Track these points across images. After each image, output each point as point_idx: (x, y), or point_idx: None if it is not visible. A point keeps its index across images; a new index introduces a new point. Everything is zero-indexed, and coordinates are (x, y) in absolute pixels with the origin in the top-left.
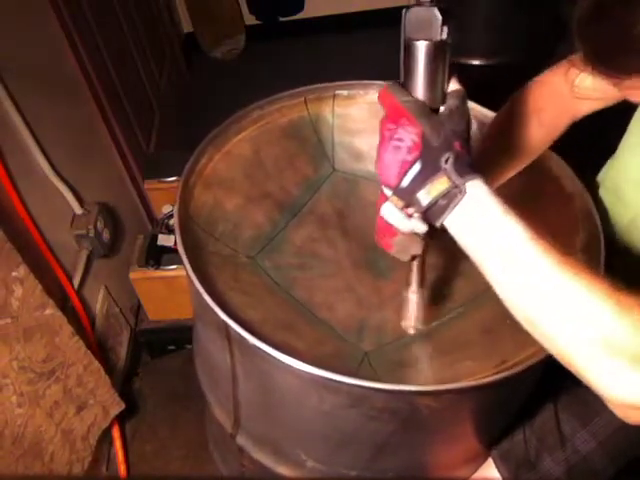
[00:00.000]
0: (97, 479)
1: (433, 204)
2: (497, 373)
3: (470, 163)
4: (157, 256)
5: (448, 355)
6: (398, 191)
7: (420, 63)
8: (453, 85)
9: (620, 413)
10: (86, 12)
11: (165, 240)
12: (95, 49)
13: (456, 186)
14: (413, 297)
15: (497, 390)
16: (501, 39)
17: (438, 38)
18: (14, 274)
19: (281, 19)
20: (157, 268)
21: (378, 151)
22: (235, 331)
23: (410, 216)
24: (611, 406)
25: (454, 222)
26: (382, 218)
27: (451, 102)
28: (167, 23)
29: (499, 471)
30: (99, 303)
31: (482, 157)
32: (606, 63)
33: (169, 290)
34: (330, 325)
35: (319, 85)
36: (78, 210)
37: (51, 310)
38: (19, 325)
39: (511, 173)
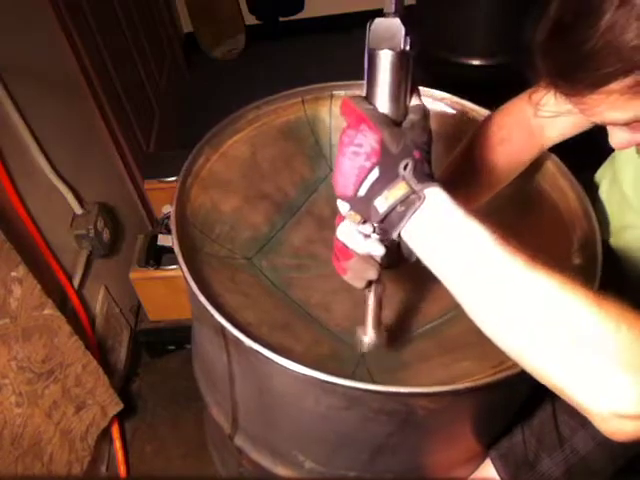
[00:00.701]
0: (97, 479)
1: (391, 211)
2: (494, 374)
3: (429, 173)
4: (157, 256)
5: (445, 356)
6: (355, 202)
7: (382, 73)
8: (415, 100)
9: (605, 427)
10: (86, 12)
11: (165, 240)
12: (95, 49)
13: (414, 192)
14: (366, 340)
15: (495, 391)
16: (501, 39)
17: (400, 48)
18: (13, 274)
19: (281, 19)
20: (157, 268)
21: (336, 161)
22: (231, 333)
23: (367, 236)
24: (596, 422)
25: (413, 231)
26: (338, 240)
27: (412, 116)
28: (167, 23)
29: (498, 472)
30: (99, 303)
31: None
32: (562, 81)
33: (169, 290)
34: (327, 326)
35: (316, 85)
36: (78, 210)
37: (50, 310)
38: (18, 325)
39: (472, 202)
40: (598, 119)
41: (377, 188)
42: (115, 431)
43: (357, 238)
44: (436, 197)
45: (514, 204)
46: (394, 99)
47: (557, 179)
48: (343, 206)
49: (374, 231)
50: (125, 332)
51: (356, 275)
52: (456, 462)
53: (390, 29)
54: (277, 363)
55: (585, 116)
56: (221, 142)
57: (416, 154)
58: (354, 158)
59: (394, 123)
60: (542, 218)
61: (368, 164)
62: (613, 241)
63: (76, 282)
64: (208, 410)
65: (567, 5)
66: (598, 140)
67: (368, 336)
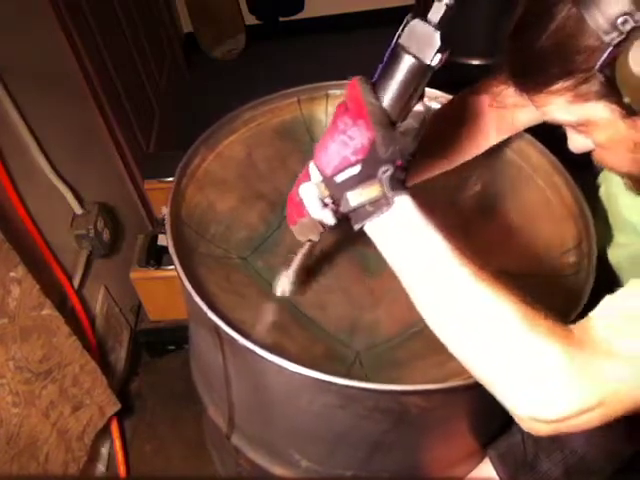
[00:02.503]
0: (96, 479)
1: (360, 207)
2: None
3: (403, 180)
4: (157, 256)
5: (440, 355)
6: (329, 182)
7: (399, 74)
8: (419, 106)
9: (524, 425)
10: (86, 12)
11: (165, 240)
12: (95, 49)
13: (386, 197)
14: (285, 280)
15: (488, 390)
16: (501, 39)
17: (427, 62)
18: (12, 274)
19: (281, 19)
20: (157, 268)
21: (325, 135)
22: (225, 332)
23: (325, 206)
24: (516, 419)
25: (376, 230)
26: (297, 194)
27: (411, 122)
28: (167, 23)
29: (497, 472)
30: (99, 303)
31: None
32: (514, 79)
33: (169, 290)
34: (322, 325)
35: (312, 85)
36: (78, 210)
37: (48, 310)
38: (16, 325)
39: (429, 171)
40: (549, 118)
41: (353, 182)
42: (115, 431)
43: (316, 204)
44: (403, 205)
45: (509, 202)
46: (400, 100)
47: (553, 176)
48: (315, 174)
49: (333, 203)
50: (125, 332)
51: (302, 231)
52: (452, 460)
53: (426, 37)
54: (271, 362)
55: (539, 112)
56: (217, 142)
57: (399, 162)
58: (342, 147)
59: (391, 123)
60: (537, 216)
61: (353, 159)
62: (613, 241)
63: (76, 282)
64: (206, 410)
65: (527, 6)
66: None
67: (288, 278)
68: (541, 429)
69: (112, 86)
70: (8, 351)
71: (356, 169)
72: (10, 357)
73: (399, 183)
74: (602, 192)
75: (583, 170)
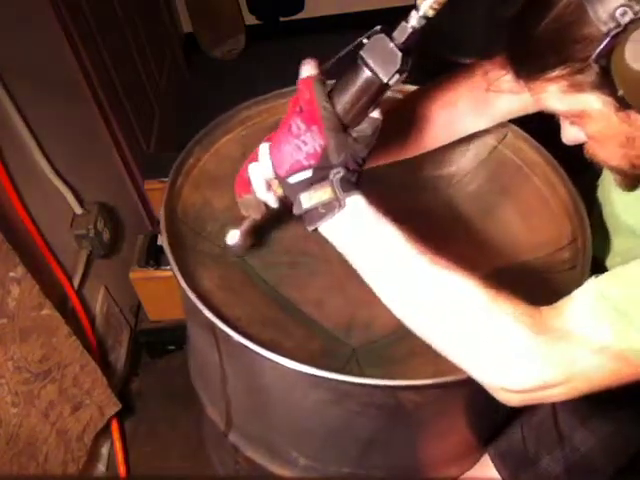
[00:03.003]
0: (97, 479)
1: (312, 210)
2: None
3: (355, 181)
4: (157, 256)
5: (435, 352)
6: (282, 182)
7: (354, 86)
8: (375, 113)
9: (496, 396)
10: (86, 12)
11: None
12: (95, 49)
13: (337, 199)
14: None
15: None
16: (501, 39)
17: (384, 81)
18: (11, 274)
19: (281, 19)
20: (157, 268)
21: (278, 132)
22: (220, 329)
23: (270, 188)
24: (489, 391)
25: (331, 231)
26: (246, 172)
27: (365, 128)
28: (167, 23)
29: (498, 471)
30: (99, 303)
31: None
32: (512, 65)
33: (169, 290)
34: (319, 322)
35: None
36: (78, 210)
37: (48, 310)
38: (15, 325)
39: (396, 155)
40: (542, 106)
41: (305, 184)
42: (115, 431)
43: (262, 186)
44: (355, 204)
45: (506, 200)
46: (353, 108)
47: (548, 174)
48: (265, 159)
49: (278, 188)
50: (125, 332)
51: (245, 207)
52: (449, 458)
53: (388, 56)
54: (266, 358)
55: (536, 101)
56: (212, 141)
57: (350, 165)
58: (296, 150)
59: (343, 128)
60: (534, 213)
61: (306, 163)
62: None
63: (76, 282)
64: (203, 408)
65: None
66: None
67: (235, 238)
68: (511, 399)
69: (112, 86)
70: (7, 351)
71: (308, 173)
72: (9, 357)
73: (350, 184)
74: (599, 195)
75: (579, 174)
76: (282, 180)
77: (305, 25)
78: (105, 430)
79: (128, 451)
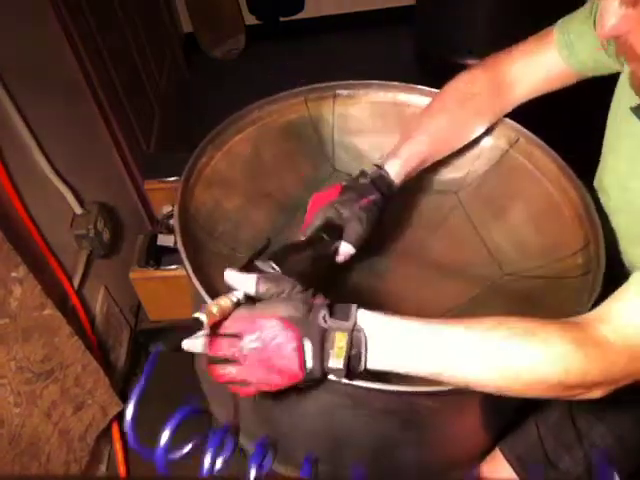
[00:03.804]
0: (96, 479)
1: (349, 360)
2: None
3: (336, 305)
4: (157, 256)
5: None
6: (309, 375)
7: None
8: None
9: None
10: (86, 12)
11: (165, 240)
12: (95, 49)
13: (352, 330)
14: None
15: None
16: (501, 39)
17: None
18: (13, 274)
19: (281, 19)
20: (157, 268)
21: (263, 362)
22: None
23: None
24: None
25: (376, 360)
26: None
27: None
28: (167, 23)
29: (517, 474)
30: (99, 303)
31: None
32: None
33: (169, 290)
34: None
35: (319, 85)
36: (78, 210)
37: (50, 310)
38: (17, 325)
39: (430, 160)
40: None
41: (319, 353)
42: (115, 431)
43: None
44: (370, 320)
45: (517, 203)
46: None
47: (560, 179)
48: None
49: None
50: (125, 332)
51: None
52: (463, 459)
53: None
54: None
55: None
56: (224, 140)
57: (318, 300)
58: (279, 348)
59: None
60: (546, 218)
61: (295, 343)
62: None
63: (76, 282)
64: (210, 410)
65: None
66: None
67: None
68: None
69: (112, 86)
70: (9, 351)
71: (307, 344)
72: (11, 357)
73: (342, 310)
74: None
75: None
76: (307, 375)
77: (305, 25)
78: (105, 430)
79: (128, 451)
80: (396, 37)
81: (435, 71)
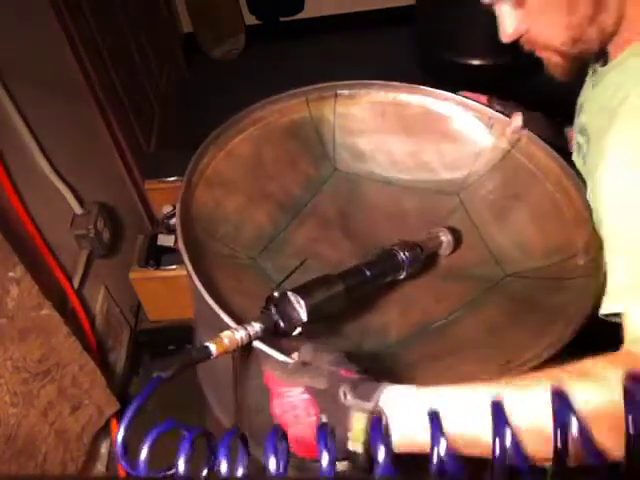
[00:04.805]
0: (97, 479)
1: (368, 445)
2: (500, 375)
3: (366, 377)
4: (157, 256)
5: (452, 357)
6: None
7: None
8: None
9: None
10: (86, 12)
11: (165, 240)
12: (95, 49)
13: (373, 412)
14: None
15: None
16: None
17: None
18: (10, 274)
19: (281, 19)
20: (157, 268)
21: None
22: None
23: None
24: None
25: (401, 439)
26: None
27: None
28: (167, 23)
29: None
30: (99, 303)
31: None
32: None
33: (169, 290)
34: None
35: (321, 85)
36: (78, 210)
37: (47, 310)
38: (14, 325)
39: None
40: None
41: (339, 434)
42: (115, 431)
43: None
44: (393, 398)
45: (518, 204)
46: None
47: (562, 180)
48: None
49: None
50: (125, 332)
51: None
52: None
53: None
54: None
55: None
56: (226, 141)
57: (344, 372)
58: (297, 419)
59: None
60: (547, 219)
61: (314, 418)
62: None
63: (76, 282)
64: (211, 410)
65: None
66: None
67: None
68: None
69: (112, 86)
70: (6, 351)
71: (323, 419)
72: (8, 357)
73: (367, 387)
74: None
75: None
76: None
77: (305, 25)
78: (104, 430)
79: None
80: (396, 37)
81: (435, 71)
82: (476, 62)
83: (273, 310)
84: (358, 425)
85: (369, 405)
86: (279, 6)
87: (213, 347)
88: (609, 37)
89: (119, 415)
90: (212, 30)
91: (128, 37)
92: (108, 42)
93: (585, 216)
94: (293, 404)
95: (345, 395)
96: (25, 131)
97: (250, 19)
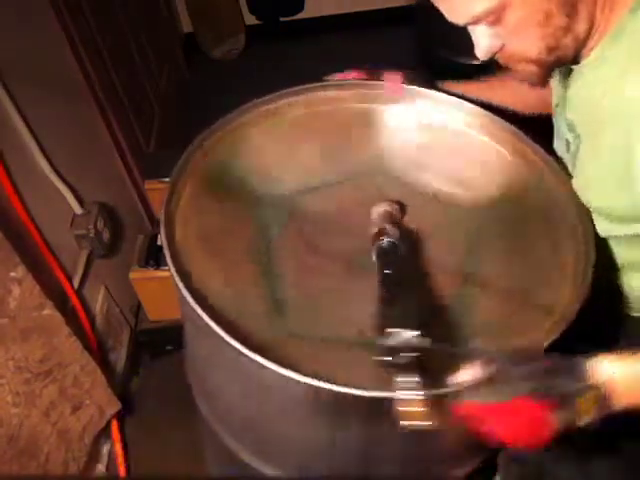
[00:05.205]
0: (97, 479)
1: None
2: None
3: (558, 358)
4: (157, 256)
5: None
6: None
7: None
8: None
9: None
10: (86, 12)
11: None
12: (95, 49)
13: (592, 387)
14: None
15: None
16: None
17: None
18: (12, 274)
19: (281, 19)
20: (157, 268)
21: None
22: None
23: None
24: None
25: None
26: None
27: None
28: (167, 23)
29: None
30: (99, 303)
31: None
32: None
33: (169, 290)
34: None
35: (321, 84)
36: (78, 210)
37: (49, 310)
38: (16, 325)
39: None
40: (462, 17)
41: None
42: (115, 431)
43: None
44: (606, 370)
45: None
46: None
47: (558, 188)
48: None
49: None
50: (125, 332)
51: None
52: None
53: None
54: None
55: (454, 19)
56: (214, 143)
57: (545, 363)
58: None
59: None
60: (540, 226)
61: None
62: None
63: (76, 282)
64: (200, 411)
65: None
66: None
67: None
68: None
69: (112, 86)
70: (8, 351)
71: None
72: (10, 357)
73: (576, 367)
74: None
75: None
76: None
77: (305, 25)
78: (105, 430)
79: (128, 451)
80: (396, 37)
81: (435, 71)
82: (476, 62)
83: None
84: (587, 406)
85: (588, 383)
86: (279, 6)
87: None
88: (583, 43)
89: (119, 415)
90: (212, 30)
91: (128, 37)
92: (108, 42)
93: (577, 223)
94: (520, 418)
95: (562, 383)
96: (25, 131)
97: (250, 19)
